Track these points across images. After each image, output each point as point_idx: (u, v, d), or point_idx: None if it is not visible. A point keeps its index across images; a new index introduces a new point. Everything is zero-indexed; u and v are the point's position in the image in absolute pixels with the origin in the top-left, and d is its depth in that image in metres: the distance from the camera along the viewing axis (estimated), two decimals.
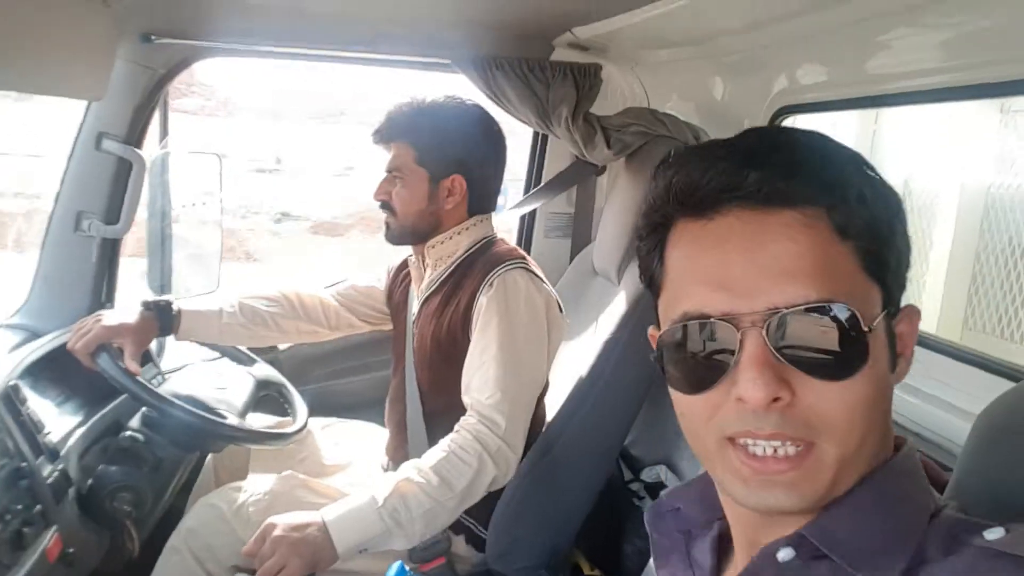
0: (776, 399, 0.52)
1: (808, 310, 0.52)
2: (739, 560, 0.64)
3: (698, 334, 0.56)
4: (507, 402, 1.35)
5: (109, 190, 1.68)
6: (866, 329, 0.53)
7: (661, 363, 0.59)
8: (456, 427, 1.36)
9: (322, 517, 1.23)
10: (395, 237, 1.55)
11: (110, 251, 1.73)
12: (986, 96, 1.73)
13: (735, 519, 0.64)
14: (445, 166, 1.50)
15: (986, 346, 2.16)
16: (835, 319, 0.52)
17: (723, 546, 0.67)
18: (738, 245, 0.54)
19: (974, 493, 0.63)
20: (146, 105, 1.68)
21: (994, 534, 0.51)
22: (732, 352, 0.54)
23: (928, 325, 2.34)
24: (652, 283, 0.63)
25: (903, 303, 0.59)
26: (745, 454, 0.54)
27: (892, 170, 2.67)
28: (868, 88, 1.53)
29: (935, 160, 2.46)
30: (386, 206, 1.53)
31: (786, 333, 0.52)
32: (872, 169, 0.58)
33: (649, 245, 0.62)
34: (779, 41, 1.58)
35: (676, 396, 0.59)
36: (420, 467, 1.30)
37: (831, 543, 0.54)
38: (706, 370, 0.55)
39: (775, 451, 0.53)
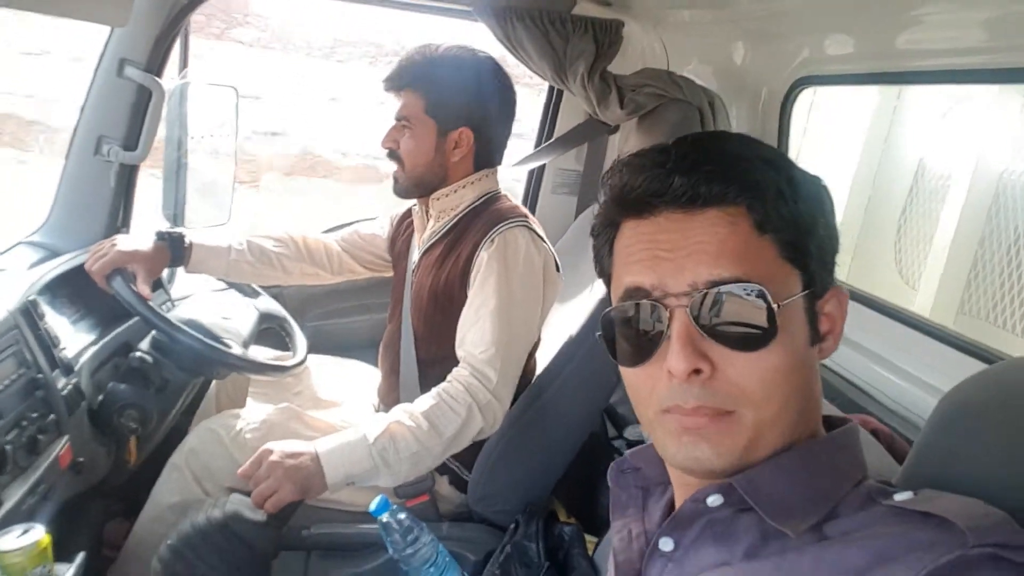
0: (698, 371, 0.60)
1: (724, 286, 0.60)
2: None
3: (636, 313, 0.64)
4: (499, 358, 1.38)
5: (129, 117, 1.71)
6: (775, 306, 0.60)
7: (608, 339, 0.67)
8: (449, 377, 1.40)
9: (315, 448, 1.29)
10: (403, 191, 1.57)
11: (128, 176, 1.78)
12: (1018, 81, 1.69)
13: (677, 482, 0.72)
14: (454, 118, 1.50)
15: (977, 331, 2.17)
16: (747, 297, 0.60)
17: (675, 506, 0.74)
18: (668, 236, 0.63)
19: (928, 469, 0.67)
20: (168, 34, 1.69)
21: (902, 496, 0.58)
22: (663, 330, 0.62)
23: (922, 307, 2.35)
24: (603, 273, 0.72)
25: (835, 283, 0.67)
26: (677, 411, 0.62)
27: (909, 148, 2.63)
28: (893, 63, 1.50)
29: (951, 141, 2.42)
30: (393, 155, 1.53)
31: (708, 311, 0.60)
32: (794, 169, 0.65)
33: (601, 241, 0.71)
34: (803, 8, 1.55)
35: (623, 370, 0.68)
36: (411, 412, 1.35)
37: (755, 494, 0.61)
38: (644, 346, 0.64)
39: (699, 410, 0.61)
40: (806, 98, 1.82)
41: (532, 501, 1.49)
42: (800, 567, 0.57)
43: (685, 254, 0.61)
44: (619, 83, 1.77)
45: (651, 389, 0.64)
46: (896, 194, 2.67)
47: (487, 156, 1.56)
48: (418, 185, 1.55)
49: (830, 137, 2.67)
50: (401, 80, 1.51)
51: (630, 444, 1.72)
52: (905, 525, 0.55)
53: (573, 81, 1.83)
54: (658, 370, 0.62)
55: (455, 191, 1.55)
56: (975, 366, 1.31)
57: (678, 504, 0.71)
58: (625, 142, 1.95)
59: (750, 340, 0.60)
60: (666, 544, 0.67)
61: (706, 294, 0.60)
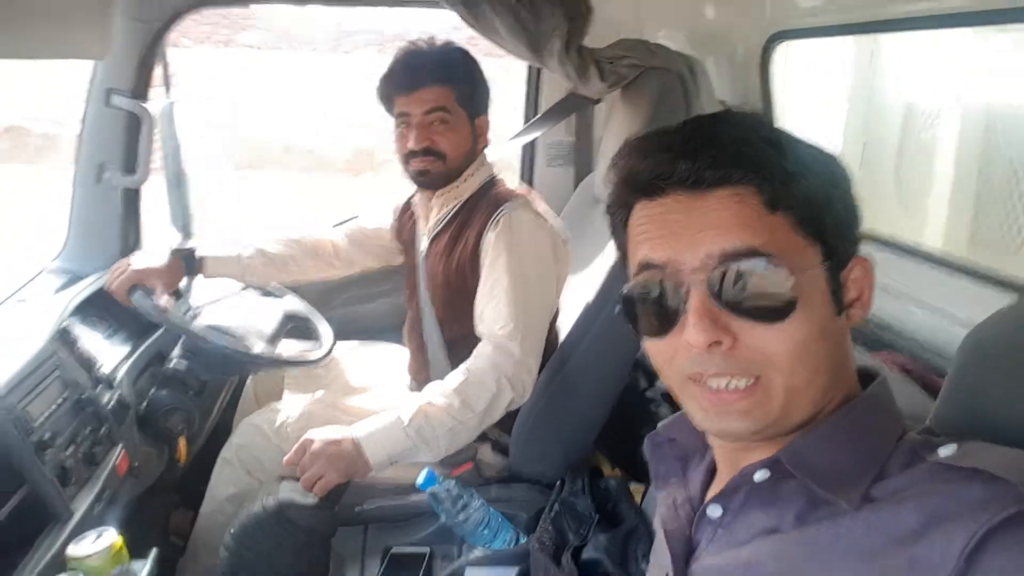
0: (717, 343, 0.60)
1: (740, 259, 0.60)
2: (723, 479, 0.72)
3: (654, 290, 0.64)
4: (519, 331, 1.42)
5: (124, 142, 1.77)
6: (792, 279, 0.60)
7: (628, 313, 0.68)
8: (474, 354, 1.44)
9: (354, 434, 1.34)
10: (438, 180, 1.56)
11: (133, 199, 1.84)
12: (993, 23, 1.70)
13: (717, 446, 0.73)
14: (478, 105, 1.55)
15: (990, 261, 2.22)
16: (764, 271, 0.60)
17: (715, 469, 0.75)
18: (679, 214, 0.63)
19: (958, 410, 0.68)
20: (149, 59, 1.74)
21: (947, 450, 0.58)
22: (680, 303, 0.62)
23: (933, 244, 2.37)
24: (621, 248, 0.73)
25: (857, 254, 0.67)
26: (703, 387, 0.63)
27: (893, 92, 2.65)
28: (867, 13, 1.51)
29: (937, 80, 2.42)
30: (430, 151, 1.52)
31: (725, 284, 0.60)
32: (801, 147, 0.65)
33: (616, 220, 0.72)
34: None
35: (646, 341, 0.68)
36: (444, 390, 1.39)
37: (802, 466, 0.61)
38: (663, 319, 0.64)
39: (727, 385, 0.62)
40: (784, 52, 1.84)
41: (574, 458, 1.54)
42: (854, 532, 0.57)
43: (696, 230, 0.62)
44: (596, 57, 1.78)
45: (672, 358, 0.65)
46: (890, 136, 2.68)
47: (487, 141, 1.62)
48: (453, 175, 1.57)
49: (813, 89, 2.67)
50: (430, 75, 1.51)
51: (664, 395, 1.77)
52: (955, 483, 0.55)
53: (550, 59, 1.83)
54: (678, 340, 0.63)
55: (464, 180, 1.59)
56: (987, 292, 1.34)
57: (721, 468, 0.73)
58: (611, 111, 1.98)
59: (769, 312, 0.60)
60: (714, 511, 0.68)
61: (723, 268, 0.60)
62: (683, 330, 0.62)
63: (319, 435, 1.33)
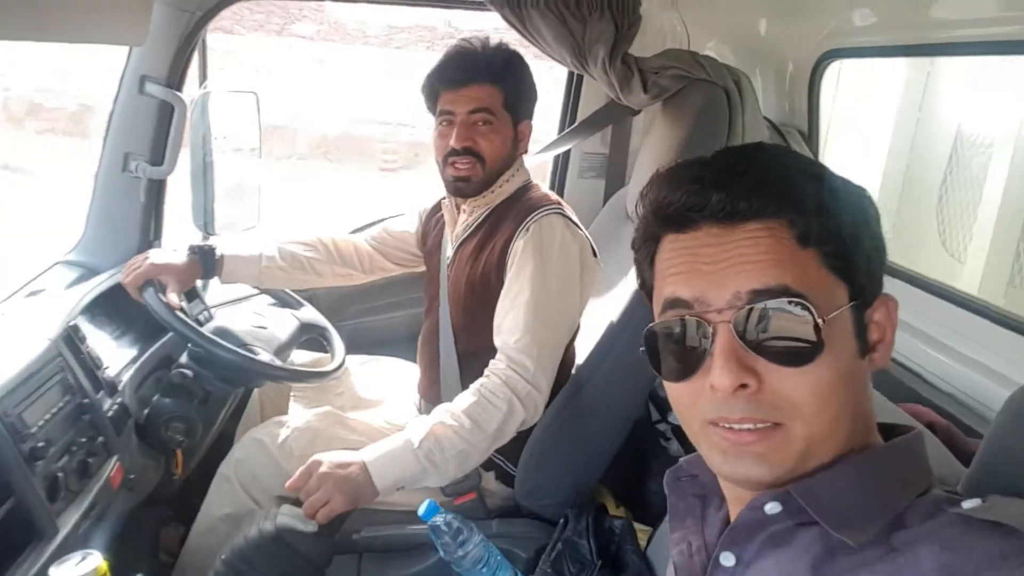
0: (744, 385, 0.59)
1: (770, 297, 0.59)
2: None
3: (678, 328, 0.63)
4: (536, 346, 1.38)
5: (153, 132, 1.73)
6: (820, 321, 0.58)
7: (651, 353, 0.66)
8: (487, 371, 1.40)
9: (362, 458, 1.29)
10: (476, 187, 1.51)
11: (157, 191, 1.80)
12: None
13: (730, 495, 0.70)
14: (524, 111, 1.52)
15: None
16: (793, 311, 0.59)
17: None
18: (708, 248, 0.62)
19: (994, 477, 0.64)
20: (185, 48, 1.70)
21: (971, 503, 0.56)
22: (707, 346, 0.61)
23: (970, 280, 2.28)
24: (645, 285, 0.71)
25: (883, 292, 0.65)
26: (723, 429, 0.61)
27: (945, 118, 2.54)
28: (922, 35, 1.47)
29: (991, 109, 2.33)
30: (470, 152, 1.47)
31: (753, 325, 0.59)
32: (835, 179, 0.64)
33: (642, 255, 0.70)
34: None
35: (666, 384, 0.67)
36: (453, 411, 1.35)
37: (814, 501, 0.59)
38: (687, 361, 0.63)
39: (747, 426, 0.60)
40: (834, 69, 1.77)
41: (580, 492, 1.49)
42: None
43: (726, 266, 0.61)
44: (641, 66, 1.73)
45: (694, 402, 0.63)
46: (935, 164, 2.58)
47: (526, 146, 1.58)
48: (492, 181, 1.52)
49: (862, 108, 2.58)
50: (479, 74, 1.47)
51: (675, 428, 1.71)
52: (974, 535, 0.53)
53: (594, 66, 1.79)
54: (702, 384, 0.62)
55: (500, 186, 1.54)
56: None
57: (733, 515, 0.70)
58: (651, 124, 1.92)
59: (796, 355, 0.59)
60: (727, 559, 0.66)
61: (751, 309, 0.59)
62: (708, 373, 0.61)
63: (327, 459, 1.28)
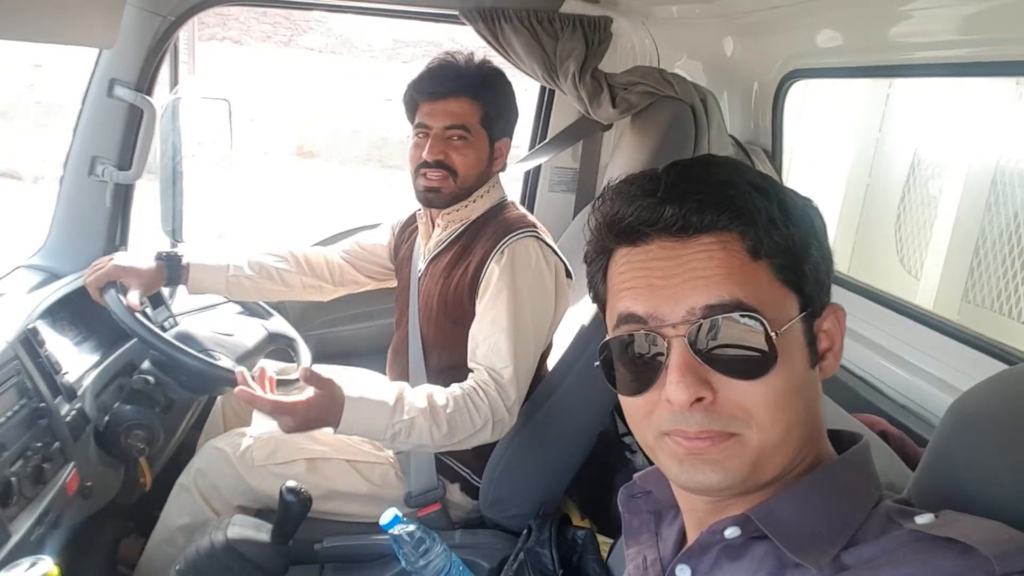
0: (700, 399, 0.59)
1: (723, 311, 0.59)
2: (692, 540, 0.69)
3: (633, 343, 0.63)
4: (517, 376, 1.38)
5: (122, 136, 1.71)
6: (774, 334, 0.59)
7: (606, 367, 0.66)
8: (475, 384, 1.37)
9: (345, 395, 1.24)
10: (446, 199, 1.51)
11: (124, 196, 1.77)
12: (1005, 74, 1.68)
13: (687, 507, 0.70)
14: (502, 129, 1.51)
15: (982, 320, 2.17)
16: (747, 325, 0.59)
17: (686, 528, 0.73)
18: (661, 263, 0.62)
19: (938, 481, 0.65)
20: (156, 52, 1.68)
21: (924, 519, 0.56)
22: (661, 360, 0.61)
23: (926, 296, 2.35)
24: (597, 299, 0.71)
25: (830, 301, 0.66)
26: (679, 435, 0.61)
27: (902, 138, 2.62)
28: (883, 56, 1.50)
29: (946, 130, 2.41)
30: (442, 165, 1.47)
31: (706, 338, 0.60)
32: (784, 192, 0.65)
33: (594, 268, 0.70)
34: (793, 1, 1.55)
35: (622, 397, 0.67)
36: (439, 411, 1.31)
37: (773, 525, 0.60)
38: (642, 374, 0.63)
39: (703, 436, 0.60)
40: (799, 89, 1.81)
41: (544, 504, 1.49)
42: None
43: (679, 281, 0.61)
44: (610, 81, 1.76)
45: (649, 414, 0.63)
46: (894, 183, 2.66)
47: (504, 164, 1.57)
48: (463, 195, 1.52)
49: (824, 127, 2.65)
50: (459, 88, 1.46)
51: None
52: (928, 553, 0.53)
53: (564, 80, 1.82)
54: (657, 397, 0.62)
55: (474, 201, 1.53)
56: (981, 359, 1.31)
57: (690, 533, 0.70)
58: (619, 139, 1.95)
59: (750, 367, 0.59)
60: (683, 572, 0.66)
61: (703, 322, 0.59)
62: (663, 387, 0.61)
63: (302, 422, 1.21)
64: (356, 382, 1.28)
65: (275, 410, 1.18)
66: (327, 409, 1.22)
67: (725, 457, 0.60)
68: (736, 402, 0.59)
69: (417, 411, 1.30)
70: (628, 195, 0.64)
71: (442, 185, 1.48)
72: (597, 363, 0.67)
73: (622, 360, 0.64)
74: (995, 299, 2.18)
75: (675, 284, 0.61)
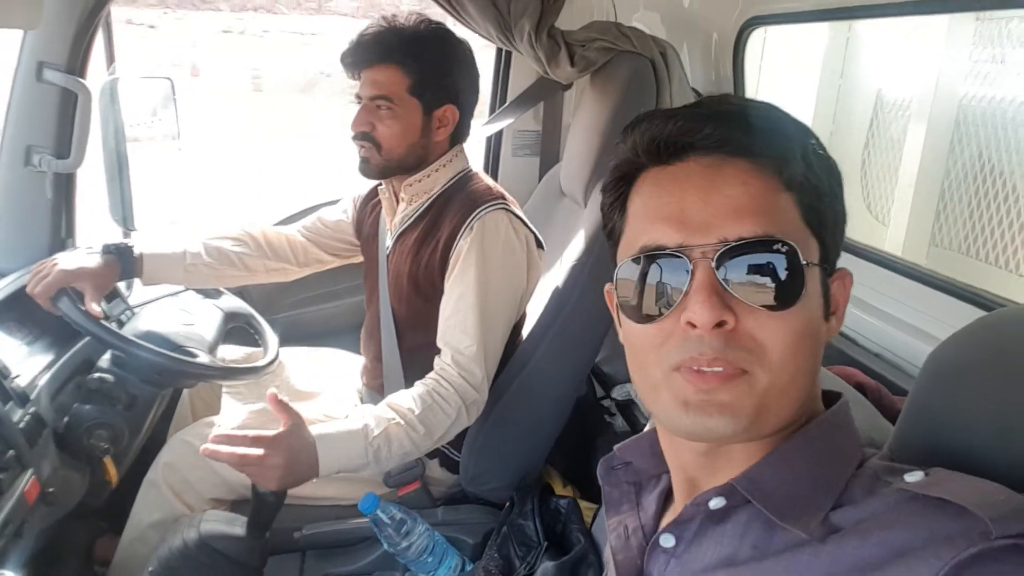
0: (721, 323, 0.57)
1: (754, 243, 0.58)
2: (678, 507, 0.68)
3: (654, 264, 0.61)
4: (483, 353, 1.35)
5: (56, 122, 1.61)
6: (804, 263, 0.58)
7: (617, 299, 0.65)
8: (436, 375, 1.35)
9: (313, 439, 1.21)
10: (375, 172, 1.47)
11: (66, 185, 1.68)
12: (963, 9, 1.67)
13: (676, 468, 0.69)
14: (441, 96, 1.43)
15: (950, 263, 2.19)
16: (777, 252, 0.58)
17: (670, 496, 0.73)
18: (695, 186, 0.60)
19: (919, 433, 0.65)
20: (85, 30, 1.57)
21: (913, 477, 0.55)
22: (684, 282, 0.59)
23: (894, 241, 2.36)
24: (612, 233, 0.69)
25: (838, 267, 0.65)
26: (690, 372, 0.59)
27: (864, 83, 2.61)
28: None
29: (907, 72, 2.40)
30: (366, 137, 1.42)
31: (733, 265, 0.58)
32: (816, 139, 0.64)
33: (612, 197, 0.68)
34: None
35: (630, 328, 0.64)
36: (408, 414, 1.29)
37: (759, 493, 0.59)
38: (660, 299, 0.61)
39: (715, 371, 0.58)
40: (759, 37, 1.78)
41: (525, 474, 1.48)
42: (815, 566, 0.55)
43: (712, 207, 0.59)
44: (567, 39, 1.71)
45: (662, 345, 0.60)
46: (858, 129, 2.65)
47: (462, 132, 1.50)
48: (397, 167, 1.46)
49: (785, 75, 2.63)
50: (375, 55, 1.39)
51: (619, 404, 1.72)
52: (920, 515, 0.52)
53: (520, 41, 1.76)
54: (674, 324, 0.59)
55: (428, 175, 1.48)
56: (953, 304, 1.32)
57: (677, 494, 0.69)
58: (580, 98, 1.91)
59: (776, 298, 0.58)
60: (667, 540, 0.65)
61: (732, 248, 0.58)
62: (682, 311, 0.59)
63: (282, 455, 1.17)
64: (323, 431, 1.24)
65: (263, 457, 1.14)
66: (303, 449, 1.18)
67: (733, 398, 0.58)
68: (753, 335, 0.58)
69: (386, 422, 1.27)
70: (669, 114, 0.63)
71: (368, 156, 1.44)
72: (608, 287, 0.66)
73: (639, 285, 0.62)
74: (962, 241, 2.20)
75: (708, 212, 0.59)
